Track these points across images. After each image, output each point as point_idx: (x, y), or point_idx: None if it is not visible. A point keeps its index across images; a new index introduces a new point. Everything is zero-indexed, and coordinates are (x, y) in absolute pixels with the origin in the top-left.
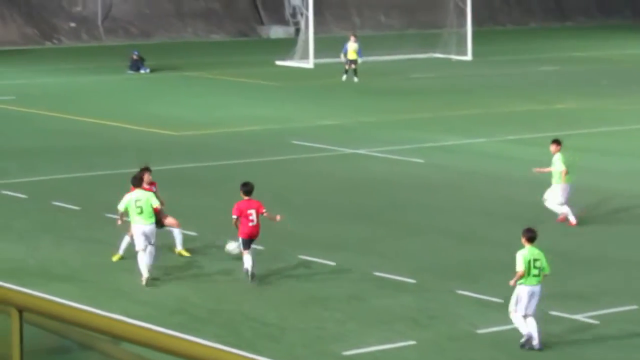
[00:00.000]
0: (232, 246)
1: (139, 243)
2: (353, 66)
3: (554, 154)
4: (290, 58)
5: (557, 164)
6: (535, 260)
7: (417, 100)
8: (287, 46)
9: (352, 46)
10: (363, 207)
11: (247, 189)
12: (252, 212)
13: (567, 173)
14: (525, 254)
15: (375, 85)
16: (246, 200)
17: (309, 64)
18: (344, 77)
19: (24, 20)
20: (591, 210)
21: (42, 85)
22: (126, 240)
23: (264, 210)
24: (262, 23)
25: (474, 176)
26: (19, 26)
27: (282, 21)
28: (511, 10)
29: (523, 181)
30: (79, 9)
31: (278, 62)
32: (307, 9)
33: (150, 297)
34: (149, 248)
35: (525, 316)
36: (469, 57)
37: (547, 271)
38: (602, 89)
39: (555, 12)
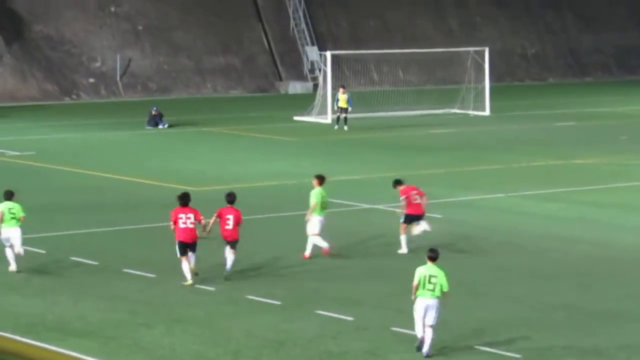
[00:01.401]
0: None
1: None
2: (344, 115)
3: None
4: (308, 113)
5: (312, 198)
6: (431, 276)
7: (435, 155)
8: (306, 101)
9: (342, 97)
10: (379, 263)
11: (230, 198)
12: (230, 217)
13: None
14: (422, 270)
15: (393, 140)
16: (227, 207)
17: (327, 119)
18: (336, 126)
19: (44, 76)
20: (614, 266)
21: (61, 141)
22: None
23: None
24: (280, 79)
25: (492, 231)
26: (39, 82)
27: (301, 77)
28: (529, 66)
29: (536, 236)
30: (98, 65)
31: (296, 118)
32: (325, 65)
33: (168, 352)
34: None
35: (424, 326)
36: (487, 112)
37: (446, 289)
38: (621, 144)
39: (573, 68)
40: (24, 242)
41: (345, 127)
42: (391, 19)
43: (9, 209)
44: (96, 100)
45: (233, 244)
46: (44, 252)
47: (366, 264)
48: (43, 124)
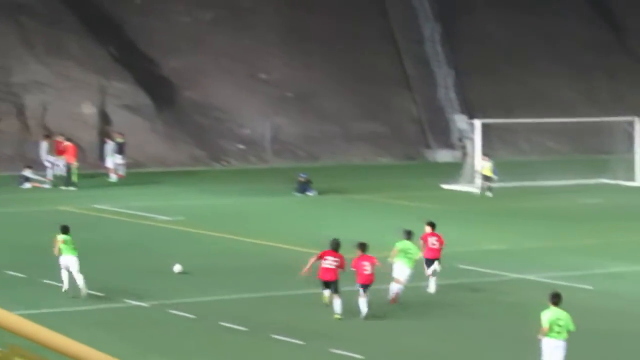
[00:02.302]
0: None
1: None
2: (488, 183)
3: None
4: (457, 182)
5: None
6: (558, 319)
7: (585, 225)
8: (453, 170)
9: (485, 165)
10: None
11: (362, 246)
12: (367, 263)
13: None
14: (549, 314)
15: (542, 209)
16: (361, 255)
17: (475, 187)
18: (479, 192)
19: (194, 142)
20: None
21: (210, 206)
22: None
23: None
24: (429, 147)
25: None
26: (189, 148)
27: (449, 145)
28: None
29: None
30: (247, 131)
31: (444, 186)
32: (473, 133)
33: None
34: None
35: None
36: (638, 183)
37: (572, 329)
38: None
39: None
40: (172, 306)
41: (489, 194)
42: (540, 87)
43: (65, 241)
44: (245, 167)
45: (368, 287)
46: (193, 317)
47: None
48: (192, 189)
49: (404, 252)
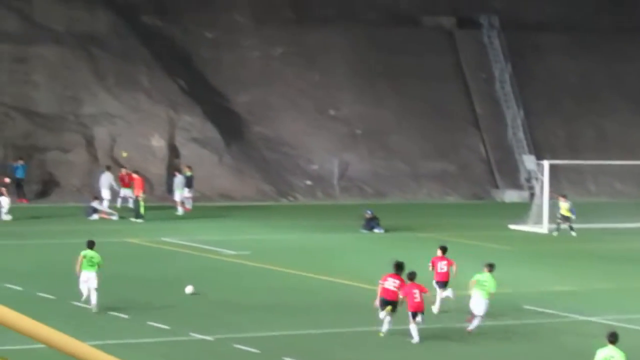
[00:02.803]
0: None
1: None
2: (568, 223)
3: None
4: (524, 222)
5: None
6: (612, 357)
7: None
8: (521, 210)
9: (563, 205)
10: None
11: (411, 275)
12: (416, 291)
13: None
14: (604, 352)
15: (608, 251)
16: (411, 283)
17: (543, 228)
18: (555, 233)
19: (262, 177)
20: None
21: (276, 241)
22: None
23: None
24: (496, 186)
25: None
26: (257, 183)
27: (517, 185)
28: None
29: None
30: (315, 167)
31: (511, 226)
32: (542, 174)
33: None
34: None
35: None
36: None
37: None
38: None
39: None
40: (236, 341)
41: (573, 233)
42: (609, 129)
43: (91, 257)
44: (312, 202)
45: (417, 314)
46: (257, 351)
47: None
48: (259, 224)
49: (481, 284)
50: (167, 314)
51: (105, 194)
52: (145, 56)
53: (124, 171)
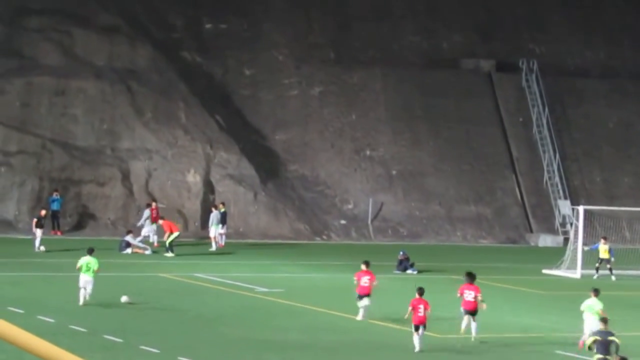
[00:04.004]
0: (124, 299)
1: None
2: (608, 265)
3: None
4: (558, 267)
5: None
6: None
7: None
8: (555, 255)
9: (602, 247)
10: None
11: (420, 292)
12: (421, 306)
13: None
14: None
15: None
16: (417, 298)
17: (577, 274)
18: (595, 276)
19: (297, 215)
20: None
21: (310, 280)
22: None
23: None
24: (531, 231)
25: None
26: (291, 221)
27: (552, 230)
28: None
29: None
30: (350, 207)
31: (545, 271)
32: (577, 219)
33: None
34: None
35: None
36: None
37: None
38: None
39: None
40: None
41: (613, 278)
42: None
43: (87, 262)
44: (346, 242)
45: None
46: None
47: None
48: (293, 262)
49: (590, 308)
50: (198, 351)
51: (150, 229)
52: (183, 92)
53: (154, 205)
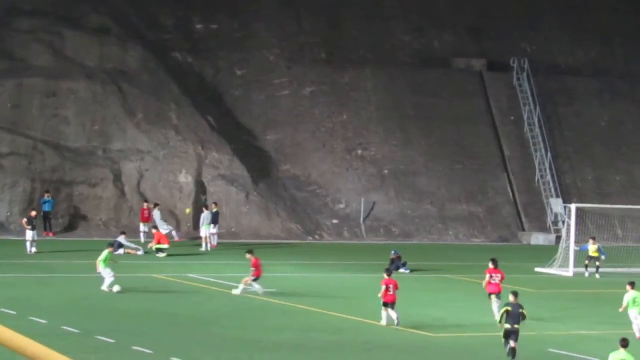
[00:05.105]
0: (117, 288)
1: None
2: (597, 263)
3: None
4: (550, 266)
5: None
6: None
7: None
8: (547, 254)
9: (592, 247)
10: None
11: (388, 273)
12: (391, 286)
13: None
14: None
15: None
16: (387, 278)
17: (569, 272)
18: (586, 274)
19: (289, 215)
20: None
21: (302, 280)
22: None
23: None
24: (523, 229)
25: None
26: (283, 221)
27: (544, 228)
28: None
29: None
30: (342, 207)
31: (537, 269)
32: (569, 218)
33: None
34: None
35: None
36: None
37: None
38: None
39: None
40: None
41: (597, 276)
42: (638, 175)
43: (106, 256)
44: (339, 242)
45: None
46: None
47: None
48: (285, 262)
49: (634, 301)
50: (191, 351)
51: (163, 229)
52: (175, 93)
53: (145, 205)
